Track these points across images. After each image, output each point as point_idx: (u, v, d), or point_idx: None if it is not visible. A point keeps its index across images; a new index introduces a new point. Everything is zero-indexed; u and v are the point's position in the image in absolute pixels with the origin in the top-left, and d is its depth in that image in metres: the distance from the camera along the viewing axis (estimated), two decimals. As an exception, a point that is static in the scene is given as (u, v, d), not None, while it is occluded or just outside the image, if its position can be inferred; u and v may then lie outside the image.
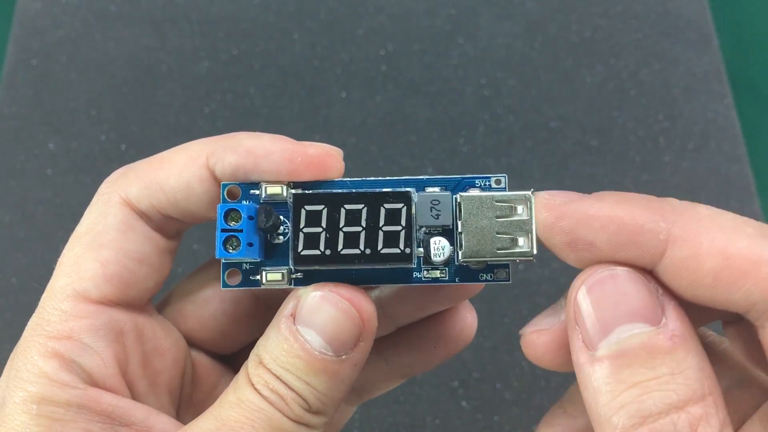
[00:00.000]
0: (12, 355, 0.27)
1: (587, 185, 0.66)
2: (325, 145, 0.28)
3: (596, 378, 0.22)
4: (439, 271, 0.27)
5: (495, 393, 0.59)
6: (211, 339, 0.32)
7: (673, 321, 0.22)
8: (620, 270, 0.23)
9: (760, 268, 0.21)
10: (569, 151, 0.68)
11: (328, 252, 0.26)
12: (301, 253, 0.26)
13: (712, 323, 0.27)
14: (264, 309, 0.32)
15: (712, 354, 0.26)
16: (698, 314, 0.25)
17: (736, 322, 0.25)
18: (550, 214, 0.24)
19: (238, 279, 0.28)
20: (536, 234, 0.25)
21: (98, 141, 0.67)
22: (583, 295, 0.23)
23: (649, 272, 0.23)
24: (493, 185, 0.27)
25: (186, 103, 0.69)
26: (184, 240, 0.31)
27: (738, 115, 0.70)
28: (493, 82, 0.71)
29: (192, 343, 0.32)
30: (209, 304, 0.31)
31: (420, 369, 0.34)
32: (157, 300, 0.32)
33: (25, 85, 0.70)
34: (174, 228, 0.29)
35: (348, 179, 0.27)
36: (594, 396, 0.22)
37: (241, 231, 0.26)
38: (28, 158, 0.66)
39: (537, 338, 0.25)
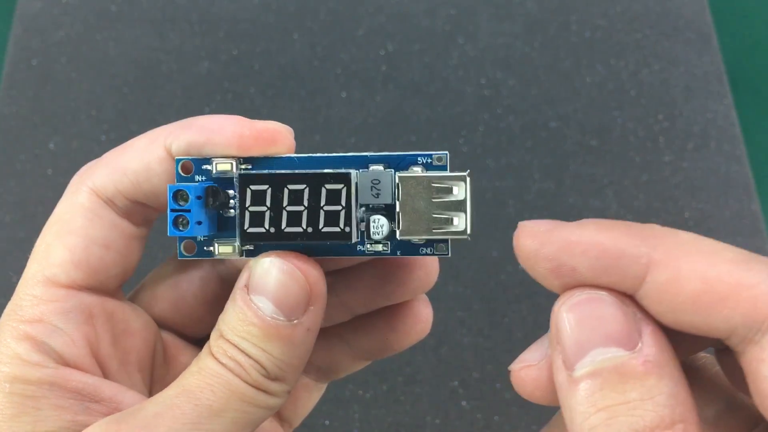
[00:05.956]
0: None
1: (587, 185, 0.66)
2: (274, 122, 0.29)
3: (572, 398, 0.23)
4: (381, 245, 0.28)
5: (495, 393, 0.59)
6: (182, 321, 0.33)
7: (649, 346, 0.22)
8: (598, 293, 0.24)
9: (740, 293, 0.21)
10: (569, 151, 0.68)
11: (272, 230, 0.27)
12: (247, 231, 0.27)
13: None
14: (230, 292, 0.33)
15: (703, 378, 0.27)
16: (689, 342, 0.25)
17: (727, 348, 0.25)
18: (534, 241, 0.24)
19: (194, 250, 0.29)
20: (470, 216, 0.26)
21: (98, 141, 0.67)
22: (563, 316, 0.24)
23: (630, 297, 0.24)
24: (435, 162, 0.28)
25: (186, 103, 0.69)
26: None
27: (738, 115, 0.70)
28: (493, 82, 0.71)
29: (165, 325, 0.33)
30: (178, 285, 0.33)
31: (380, 355, 0.35)
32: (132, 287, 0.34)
33: (25, 85, 0.70)
34: (141, 214, 0.30)
35: (296, 156, 0.28)
36: (570, 416, 0.23)
37: (189, 211, 0.28)
38: (28, 158, 0.66)
39: (527, 374, 0.26)
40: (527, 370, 0.25)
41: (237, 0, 0.74)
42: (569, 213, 0.65)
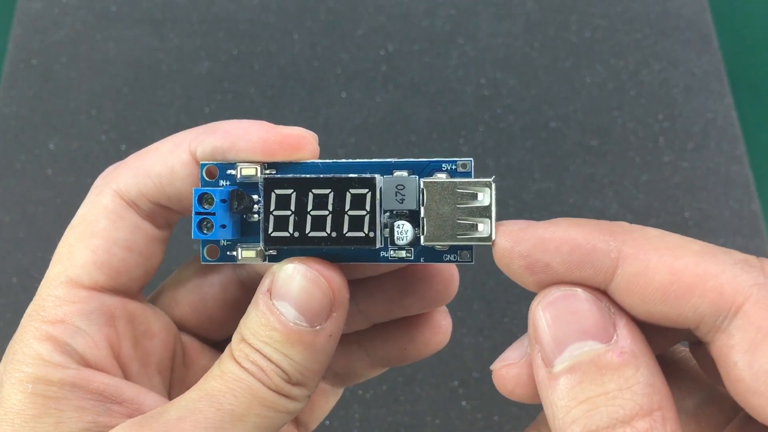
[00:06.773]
0: (11, 340, 0.28)
1: (587, 185, 0.66)
2: (299, 128, 0.29)
3: (552, 393, 0.23)
4: (404, 251, 0.28)
5: (495, 393, 0.59)
6: (202, 324, 0.33)
7: (624, 338, 0.23)
8: (572, 290, 0.24)
9: (706, 282, 0.22)
10: (569, 151, 0.68)
11: (296, 234, 0.27)
12: (271, 235, 0.28)
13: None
14: (250, 296, 0.33)
15: (683, 371, 0.27)
16: (661, 336, 0.25)
17: (699, 342, 0.26)
18: (508, 239, 0.25)
19: (216, 254, 0.29)
20: (494, 222, 0.26)
21: (98, 141, 0.67)
22: (539, 315, 0.25)
23: (603, 292, 0.24)
24: (459, 169, 0.28)
25: (186, 103, 0.69)
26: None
27: (738, 115, 0.70)
28: (493, 82, 0.71)
29: (185, 328, 0.33)
30: (199, 289, 0.33)
31: (397, 363, 0.35)
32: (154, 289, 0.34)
33: (25, 85, 0.70)
34: (164, 217, 0.30)
35: (320, 161, 0.28)
36: (551, 411, 0.23)
37: (214, 214, 0.28)
38: (28, 158, 0.66)
39: (507, 372, 0.26)
40: (508, 368, 0.26)
41: (237, 0, 0.74)
42: (569, 213, 0.65)
